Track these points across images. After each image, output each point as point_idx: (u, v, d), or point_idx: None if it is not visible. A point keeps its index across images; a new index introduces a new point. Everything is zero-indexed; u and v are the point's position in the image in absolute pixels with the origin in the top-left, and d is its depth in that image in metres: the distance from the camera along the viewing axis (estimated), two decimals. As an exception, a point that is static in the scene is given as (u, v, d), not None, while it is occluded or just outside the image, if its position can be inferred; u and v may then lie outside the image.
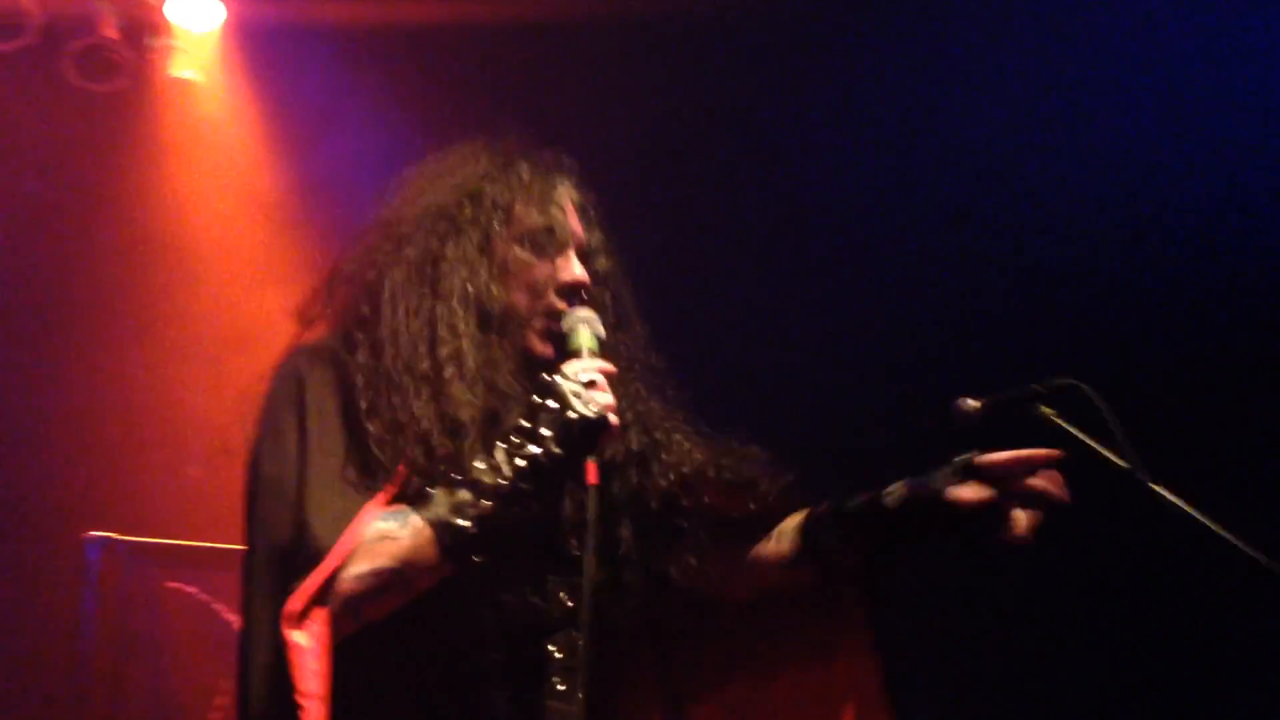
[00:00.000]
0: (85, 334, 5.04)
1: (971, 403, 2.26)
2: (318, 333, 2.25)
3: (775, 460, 2.34)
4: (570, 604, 2.08)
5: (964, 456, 2.13)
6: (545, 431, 1.97)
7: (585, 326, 2.13)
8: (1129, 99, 4.53)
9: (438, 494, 1.97)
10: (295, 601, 1.91)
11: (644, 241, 2.49)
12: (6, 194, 4.92)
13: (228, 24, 5.05)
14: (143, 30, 4.96)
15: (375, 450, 2.02)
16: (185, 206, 5.13)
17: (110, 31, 4.83)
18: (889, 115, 4.79)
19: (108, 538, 4.55)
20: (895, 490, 2.16)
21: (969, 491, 2.08)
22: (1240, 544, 2.24)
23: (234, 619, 4.69)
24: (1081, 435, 2.24)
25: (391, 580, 1.94)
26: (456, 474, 1.99)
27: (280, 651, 1.90)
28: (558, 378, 2.03)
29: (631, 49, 4.88)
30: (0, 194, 4.92)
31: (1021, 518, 2.09)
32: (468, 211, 2.17)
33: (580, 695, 1.97)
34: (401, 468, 2.02)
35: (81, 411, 5.00)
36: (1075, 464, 2.24)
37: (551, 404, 1.99)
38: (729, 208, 4.82)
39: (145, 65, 5.01)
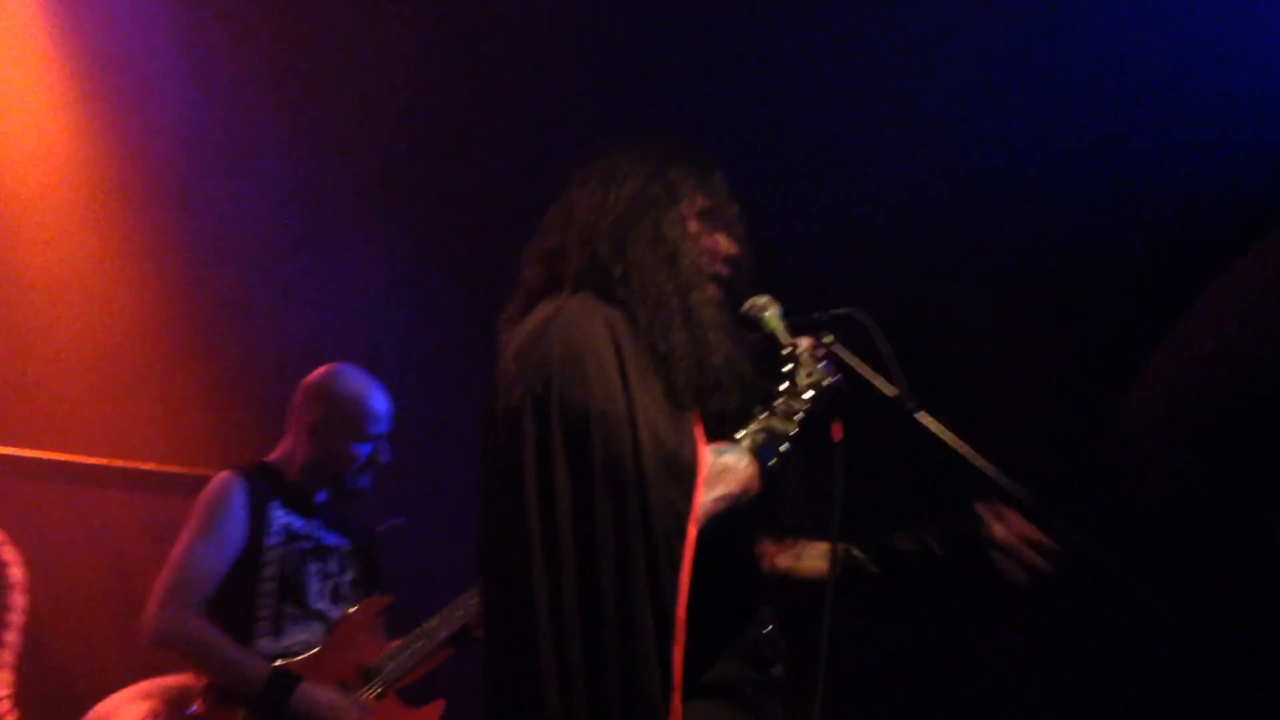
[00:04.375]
0: None
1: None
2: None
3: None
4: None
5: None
6: (806, 395, 2.41)
7: (772, 310, 2.53)
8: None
9: (746, 437, 2.38)
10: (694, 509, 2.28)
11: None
12: None
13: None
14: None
15: (678, 379, 2.42)
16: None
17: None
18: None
19: None
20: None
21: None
22: (999, 477, 2.32)
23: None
24: (854, 362, 2.33)
25: (735, 502, 2.35)
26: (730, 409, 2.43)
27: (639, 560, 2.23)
28: (800, 351, 2.45)
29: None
30: None
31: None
32: (664, 195, 2.59)
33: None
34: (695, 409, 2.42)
35: None
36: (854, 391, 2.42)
37: (805, 372, 2.43)
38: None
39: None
